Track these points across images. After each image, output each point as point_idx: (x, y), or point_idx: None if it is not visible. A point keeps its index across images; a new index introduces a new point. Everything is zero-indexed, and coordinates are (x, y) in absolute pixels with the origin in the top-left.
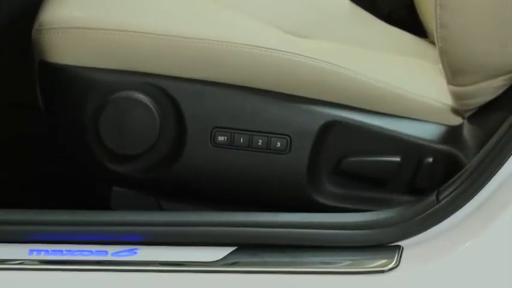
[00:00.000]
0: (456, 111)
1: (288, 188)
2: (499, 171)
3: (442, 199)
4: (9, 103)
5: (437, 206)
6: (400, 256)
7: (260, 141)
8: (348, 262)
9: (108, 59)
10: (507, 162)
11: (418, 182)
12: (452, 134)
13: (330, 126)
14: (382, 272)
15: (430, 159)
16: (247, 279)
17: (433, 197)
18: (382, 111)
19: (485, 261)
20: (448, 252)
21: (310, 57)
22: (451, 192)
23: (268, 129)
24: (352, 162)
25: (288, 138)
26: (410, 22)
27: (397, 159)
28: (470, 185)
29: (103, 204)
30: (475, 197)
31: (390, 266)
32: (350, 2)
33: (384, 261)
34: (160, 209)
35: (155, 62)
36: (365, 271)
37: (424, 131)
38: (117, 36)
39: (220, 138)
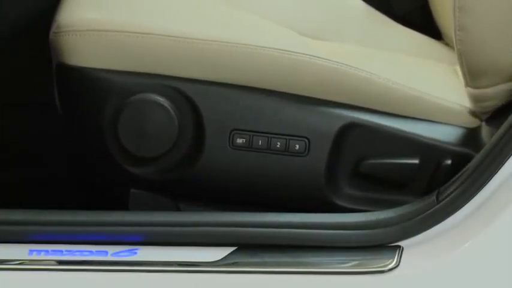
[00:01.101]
0: (474, 114)
1: (307, 190)
2: (499, 171)
3: (442, 199)
4: (12, 103)
5: (437, 206)
6: (400, 256)
7: (279, 143)
8: (348, 262)
9: (127, 61)
10: (507, 162)
11: (436, 184)
12: (470, 136)
13: (348, 129)
14: (382, 272)
15: (449, 162)
16: (247, 279)
17: (433, 197)
18: (399, 113)
19: (485, 261)
20: (448, 252)
21: (327, 59)
22: (451, 193)
23: (286, 132)
24: (370, 165)
25: (307, 140)
26: (425, 24)
27: (416, 161)
28: (470, 185)
29: (121, 206)
30: (475, 197)
31: (390, 266)
32: (365, 4)
33: (384, 261)
34: (178, 211)
35: (173, 64)
36: (365, 271)
37: (442, 133)
38: (135, 39)
39: (239, 141)
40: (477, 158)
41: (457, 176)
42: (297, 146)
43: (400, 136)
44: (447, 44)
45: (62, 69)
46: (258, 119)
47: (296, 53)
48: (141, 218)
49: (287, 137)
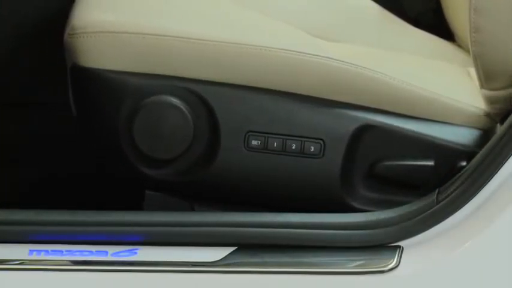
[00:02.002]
0: (488, 115)
1: (322, 192)
2: (499, 171)
3: (442, 199)
4: (12, 103)
5: (437, 206)
6: (400, 256)
7: (294, 145)
8: (348, 262)
9: (142, 63)
10: (507, 162)
11: None
12: (485, 138)
13: (364, 130)
14: (382, 272)
15: (464, 163)
16: (247, 279)
17: (433, 197)
18: (414, 115)
19: (485, 261)
20: (448, 252)
21: (341, 61)
22: (451, 193)
23: (301, 133)
24: (385, 166)
25: (322, 142)
26: (437, 25)
27: (431, 163)
28: (470, 185)
29: (135, 207)
30: (475, 197)
31: (390, 266)
32: (377, 5)
33: (384, 261)
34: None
35: (188, 66)
36: (365, 271)
37: (457, 135)
38: (150, 41)
39: (254, 142)
40: (477, 158)
41: (457, 176)
42: (312, 148)
43: (415, 138)
44: (459, 46)
45: (76, 71)
46: (273, 120)
47: (309, 54)
48: (141, 218)
49: (302, 139)
